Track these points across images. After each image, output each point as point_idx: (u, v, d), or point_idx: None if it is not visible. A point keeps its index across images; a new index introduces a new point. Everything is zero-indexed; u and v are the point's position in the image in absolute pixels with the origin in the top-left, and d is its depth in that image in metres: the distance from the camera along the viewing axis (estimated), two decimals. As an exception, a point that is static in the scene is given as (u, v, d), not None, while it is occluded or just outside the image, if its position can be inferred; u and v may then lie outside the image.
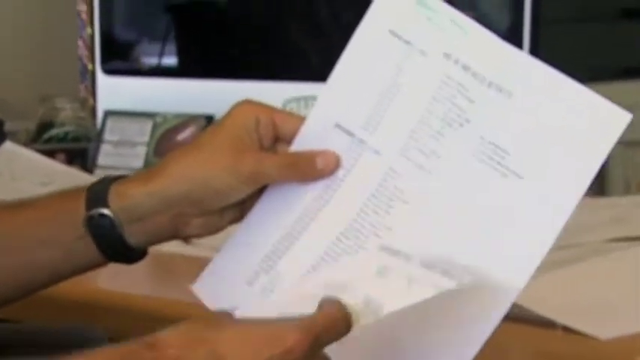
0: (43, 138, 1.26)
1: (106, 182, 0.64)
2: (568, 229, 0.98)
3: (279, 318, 0.53)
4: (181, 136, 1.20)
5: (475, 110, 0.57)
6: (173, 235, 0.64)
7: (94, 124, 1.26)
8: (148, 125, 1.20)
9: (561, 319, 0.66)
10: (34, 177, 1.11)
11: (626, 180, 1.08)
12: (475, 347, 0.54)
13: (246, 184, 0.61)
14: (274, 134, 0.63)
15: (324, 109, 0.62)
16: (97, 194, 0.63)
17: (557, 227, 0.55)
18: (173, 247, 0.98)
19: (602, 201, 1.06)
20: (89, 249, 0.63)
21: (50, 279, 0.65)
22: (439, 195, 0.57)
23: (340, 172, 0.60)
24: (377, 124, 0.60)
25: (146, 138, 1.20)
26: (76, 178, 1.14)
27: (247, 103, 0.64)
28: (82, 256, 0.64)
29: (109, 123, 1.22)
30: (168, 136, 1.20)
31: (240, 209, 0.63)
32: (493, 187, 0.56)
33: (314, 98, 1.32)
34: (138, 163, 1.19)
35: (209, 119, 1.21)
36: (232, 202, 0.61)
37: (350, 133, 0.60)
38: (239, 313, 0.56)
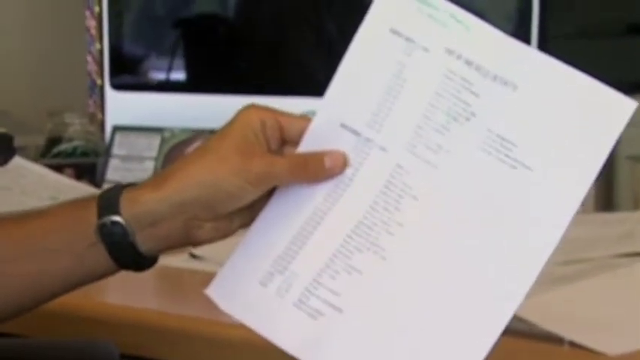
0: (52, 153, 1.26)
1: (117, 189, 0.64)
2: (576, 244, 0.98)
3: None
4: (189, 150, 1.20)
5: (480, 104, 0.58)
6: (184, 241, 0.64)
7: (103, 139, 1.26)
8: (156, 140, 1.21)
9: (568, 334, 0.66)
10: (43, 192, 1.11)
11: (635, 195, 1.08)
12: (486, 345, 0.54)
13: (255, 186, 0.61)
14: (281, 137, 0.63)
15: (329, 110, 0.63)
16: (109, 201, 0.63)
17: (568, 215, 0.55)
18: (181, 262, 0.98)
19: (610, 216, 1.06)
20: (101, 257, 0.63)
21: (62, 288, 0.65)
22: (448, 189, 0.58)
23: (349, 171, 0.61)
24: (382, 122, 0.61)
25: (154, 153, 1.20)
26: (85, 193, 1.14)
27: (253, 107, 0.65)
28: (94, 264, 0.64)
29: (118, 138, 1.22)
30: (176, 151, 1.20)
31: (249, 213, 0.63)
32: (502, 179, 0.56)
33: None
34: (146, 177, 1.19)
35: (217, 134, 1.21)
36: (242, 204, 0.62)
37: (356, 133, 0.61)
38: (253, 317, 0.55)
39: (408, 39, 0.60)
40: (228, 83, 1.26)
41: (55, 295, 0.66)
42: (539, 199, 0.56)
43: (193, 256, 0.98)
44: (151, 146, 1.21)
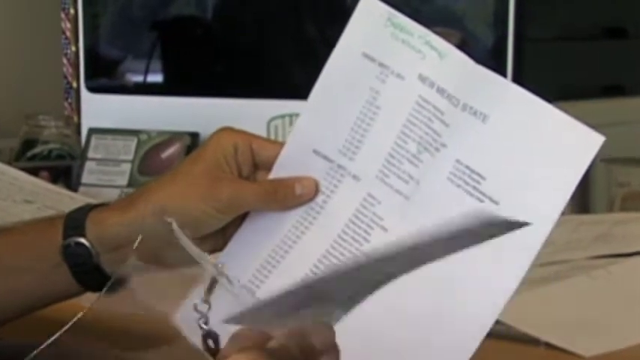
0: (27, 156, 1.25)
1: (85, 210, 0.63)
2: (552, 246, 0.98)
3: None
4: (166, 153, 1.20)
5: (450, 134, 0.57)
6: (152, 264, 0.63)
7: (79, 142, 1.25)
8: (133, 143, 1.20)
9: (544, 336, 0.66)
10: (17, 195, 1.10)
11: (610, 197, 1.09)
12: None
13: (224, 213, 0.60)
14: (254, 161, 0.62)
15: (301, 135, 0.62)
16: (75, 222, 0.63)
17: (534, 250, 0.54)
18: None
19: (585, 218, 1.07)
20: (65, 277, 0.63)
21: (27, 306, 0.65)
22: (417, 221, 0.56)
23: (320, 198, 0.60)
24: (355, 149, 0.59)
25: (130, 156, 1.20)
26: (60, 196, 1.13)
27: (226, 130, 0.64)
28: (58, 285, 0.63)
29: (93, 141, 1.22)
30: (152, 154, 1.20)
31: (221, 237, 0.62)
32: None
33: (298, 116, 1.32)
34: (122, 180, 1.19)
35: (194, 137, 1.21)
36: (210, 230, 0.61)
37: (328, 159, 0.60)
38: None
39: (381, 64, 0.59)
40: (205, 86, 1.25)
41: (19, 314, 0.65)
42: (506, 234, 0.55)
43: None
44: (127, 149, 1.20)
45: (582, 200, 1.13)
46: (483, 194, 0.55)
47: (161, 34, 1.28)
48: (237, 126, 1.29)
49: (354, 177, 0.59)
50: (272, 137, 1.23)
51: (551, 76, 1.50)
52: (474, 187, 0.56)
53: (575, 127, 0.55)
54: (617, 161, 1.10)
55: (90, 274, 0.63)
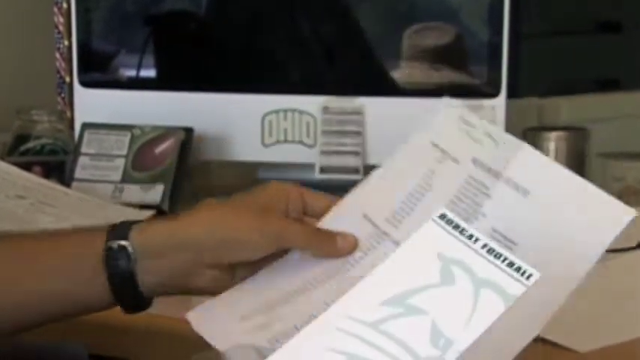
0: (20, 151, 1.24)
1: (129, 222, 0.65)
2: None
3: None
4: (160, 148, 1.19)
5: (492, 205, 0.62)
6: (182, 284, 0.64)
7: (72, 137, 1.25)
8: (126, 138, 1.20)
9: (540, 332, 0.66)
10: (10, 190, 1.09)
11: (606, 192, 1.09)
12: None
13: (268, 244, 0.62)
14: (302, 210, 0.65)
15: (357, 199, 0.66)
16: (119, 228, 0.64)
17: (551, 309, 0.56)
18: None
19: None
20: (101, 286, 0.64)
21: (57, 312, 0.65)
22: None
23: (357, 254, 0.63)
24: (401, 219, 0.64)
25: (124, 151, 1.19)
26: (54, 191, 1.13)
27: (279, 182, 0.67)
28: (93, 293, 0.64)
29: (87, 136, 1.21)
30: (146, 149, 1.19)
31: (251, 269, 0.64)
32: None
33: (293, 111, 1.32)
34: (116, 176, 1.18)
35: (188, 132, 1.20)
36: (249, 259, 0.63)
37: (375, 225, 0.64)
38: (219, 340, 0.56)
39: (443, 151, 0.66)
40: (199, 81, 1.25)
41: (50, 319, 0.66)
42: (527, 295, 0.54)
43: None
44: (120, 144, 1.19)
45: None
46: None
47: (154, 29, 1.28)
48: (232, 120, 1.29)
49: (395, 242, 0.63)
50: (266, 132, 1.23)
51: (547, 70, 1.50)
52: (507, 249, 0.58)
53: (609, 202, 0.59)
54: (613, 156, 1.10)
55: (125, 282, 0.63)
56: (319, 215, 0.65)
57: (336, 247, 0.63)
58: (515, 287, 0.49)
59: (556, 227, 0.59)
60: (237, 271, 0.64)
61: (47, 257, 0.64)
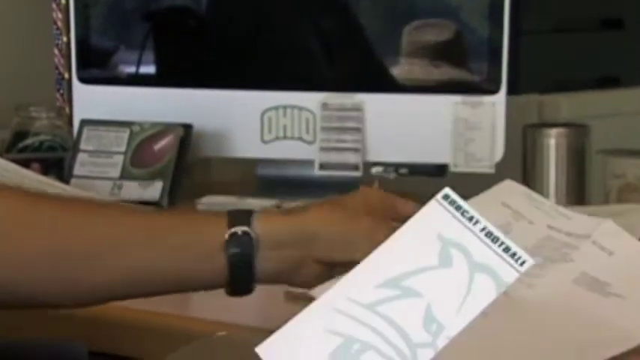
0: (18, 147, 1.24)
1: (247, 211, 0.67)
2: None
3: None
4: (159, 145, 1.19)
5: (578, 255, 0.67)
6: (292, 275, 0.67)
7: (71, 134, 1.24)
8: (125, 134, 1.19)
9: None
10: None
11: (606, 189, 1.08)
12: None
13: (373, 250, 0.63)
14: (394, 215, 0.67)
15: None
16: (240, 216, 0.66)
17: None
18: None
19: (581, 209, 1.06)
20: (218, 267, 0.65)
21: (166, 287, 0.67)
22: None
23: None
24: None
25: (123, 147, 1.19)
26: (52, 188, 1.12)
27: (371, 188, 0.72)
28: (208, 273, 0.65)
29: (85, 132, 1.21)
30: (145, 146, 1.19)
31: (347, 269, 0.65)
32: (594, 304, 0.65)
33: (293, 107, 1.31)
34: (115, 172, 1.18)
35: (187, 128, 1.20)
36: (353, 259, 0.61)
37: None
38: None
39: (515, 211, 0.70)
40: (199, 77, 1.24)
41: (160, 293, 0.67)
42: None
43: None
44: (119, 140, 1.19)
45: (578, 192, 1.13)
46: (609, 293, 0.66)
47: (154, 25, 1.27)
48: (231, 117, 1.29)
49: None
50: (265, 129, 1.23)
51: (547, 67, 1.50)
52: (600, 289, 0.66)
53: None
54: (613, 153, 1.10)
55: (244, 267, 0.65)
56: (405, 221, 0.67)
57: None
58: (509, 273, 0.49)
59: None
60: (336, 268, 0.66)
61: (168, 232, 0.66)
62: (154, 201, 1.14)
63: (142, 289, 0.67)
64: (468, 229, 0.50)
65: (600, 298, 0.65)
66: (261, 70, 1.24)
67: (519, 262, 0.49)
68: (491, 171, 1.14)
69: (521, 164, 1.15)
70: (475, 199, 0.69)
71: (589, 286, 0.66)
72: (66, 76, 1.33)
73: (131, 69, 1.27)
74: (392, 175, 1.14)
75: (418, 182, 1.18)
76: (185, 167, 1.18)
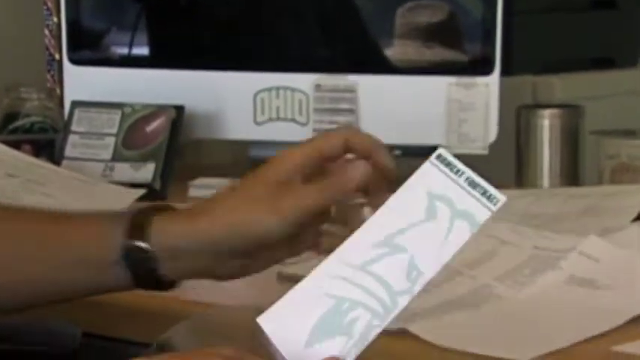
0: (9, 129, 1.23)
1: (149, 213, 0.64)
2: (542, 219, 0.98)
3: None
4: (151, 126, 1.18)
5: (566, 264, 0.73)
6: (207, 275, 0.64)
7: (62, 115, 1.24)
8: (117, 116, 1.18)
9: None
10: (0, 169, 1.08)
11: (599, 169, 1.08)
12: None
13: (288, 227, 0.61)
14: (319, 170, 0.63)
15: None
16: (140, 224, 0.63)
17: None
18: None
19: (574, 190, 1.06)
20: (121, 275, 0.64)
21: (75, 294, 0.66)
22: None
23: None
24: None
25: (115, 129, 1.18)
26: (44, 170, 1.12)
27: (291, 149, 0.65)
28: (112, 281, 0.64)
29: (77, 114, 1.20)
30: (137, 127, 1.18)
31: (287, 250, 0.64)
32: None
33: (286, 88, 1.30)
34: (106, 154, 1.17)
35: (179, 110, 1.19)
36: (271, 243, 0.62)
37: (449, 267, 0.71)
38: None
39: (502, 240, 0.77)
40: (190, 58, 1.24)
41: (65, 299, 0.66)
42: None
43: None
44: (111, 122, 1.18)
45: (571, 173, 1.13)
46: (598, 287, 0.72)
47: (146, 6, 1.26)
48: (224, 98, 1.28)
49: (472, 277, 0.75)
50: (258, 110, 1.22)
51: (541, 48, 1.49)
52: (589, 285, 0.73)
53: None
54: (607, 133, 1.10)
55: (146, 276, 0.64)
56: (363, 153, 0.63)
57: (350, 178, 0.62)
58: (483, 213, 0.52)
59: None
60: (271, 252, 0.63)
61: (65, 247, 0.64)
62: (146, 182, 1.14)
63: (43, 300, 0.65)
64: (454, 181, 0.53)
65: (591, 291, 0.70)
66: (254, 51, 1.23)
67: (494, 201, 0.52)
68: (485, 152, 1.14)
69: (515, 145, 1.14)
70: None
71: (579, 284, 0.71)
72: (57, 57, 1.32)
73: (123, 50, 1.26)
74: (385, 157, 1.14)
75: (412, 164, 1.18)
76: (177, 149, 1.18)
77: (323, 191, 0.62)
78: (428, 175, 0.54)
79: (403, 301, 0.51)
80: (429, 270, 0.52)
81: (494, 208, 0.52)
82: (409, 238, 0.52)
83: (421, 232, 0.52)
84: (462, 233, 0.52)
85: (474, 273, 0.75)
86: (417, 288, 0.51)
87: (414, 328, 0.65)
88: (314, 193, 0.62)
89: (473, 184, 0.53)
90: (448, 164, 0.54)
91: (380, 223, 0.53)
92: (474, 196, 0.53)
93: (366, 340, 0.51)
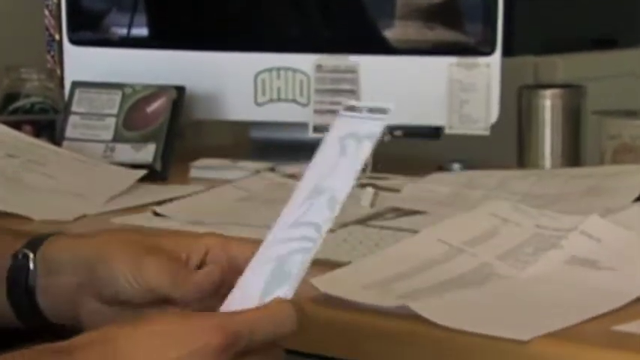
0: (9, 109, 1.23)
1: (56, 233, 0.63)
2: (544, 199, 0.97)
3: (200, 314, 0.53)
4: (151, 107, 1.18)
5: (568, 243, 0.74)
6: (71, 311, 0.61)
7: (62, 96, 1.23)
8: (117, 96, 1.18)
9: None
10: (0, 150, 1.08)
11: (601, 150, 1.08)
12: None
13: (141, 292, 0.59)
14: (228, 261, 0.60)
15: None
16: (38, 238, 0.62)
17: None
18: (144, 220, 0.97)
19: (576, 171, 1.06)
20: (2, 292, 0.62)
21: None
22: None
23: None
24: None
25: (115, 110, 1.18)
26: (44, 150, 1.12)
27: (204, 235, 0.62)
28: None
29: (77, 94, 1.19)
30: (137, 108, 1.18)
31: (138, 312, 0.59)
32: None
33: (287, 69, 1.30)
34: (107, 135, 1.17)
35: (180, 90, 1.19)
36: (126, 300, 0.59)
37: (450, 246, 0.76)
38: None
39: (503, 219, 0.79)
40: (191, 39, 1.23)
41: None
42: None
43: (156, 214, 0.97)
44: (111, 102, 1.18)
45: (573, 153, 1.13)
46: (601, 268, 0.73)
47: (146, -14, 1.26)
48: (225, 79, 1.27)
49: (473, 254, 0.77)
50: (259, 91, 1.22)
51: (543, 28, 1.49)
52: (592, 265, 0.73)
53: None
54: (608, 114, 1.09)
55: (22, 296, 0.61)
56: (242, 265, 0.58)
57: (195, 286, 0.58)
58: (377, 125, 0.57)
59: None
60: (124, 310, 0.59)
61: None
62: (147, 163, 1.13)
63: None
64: (360, 118, 0.58)
65: (593, 271, 0.71)
66: (255, 31, 1.23)
67: (385, 112, 0.57)
68: (487, 133, 1.14)
69: (517, 126, 1.14)
70: (466, 214, 0.80)
71: (581, 264, 0.72)
72: (57, 37, 1.31)
73: (123, 31, 1.26)
74: (387, 138, 1.14)
75: (413, 144, 1.18)
76: (178, 130, 1.17)
77: (177, 283, 0.58)
78: (337, 126, 0.59)
79: (326, 227, 0.55)
80: (343, 192, 0.56)
81: (386, 117, 0.57)
82: (329, 179, 0.57)
83: (337, 170, 0.57)
84: (365, 151, 0.57)
85: (474, 251, 0.75)
86: (336, 213, 0.56)
87: (414, 306, 0.65)
88: (169, 278, 0.58)
89: (375, 111, 0.58)
90: (352, 108, 0.59)
91: (306, 180, 0.58)
92: (373, 119, 0.57)
93: (300, 276, 0.55)
